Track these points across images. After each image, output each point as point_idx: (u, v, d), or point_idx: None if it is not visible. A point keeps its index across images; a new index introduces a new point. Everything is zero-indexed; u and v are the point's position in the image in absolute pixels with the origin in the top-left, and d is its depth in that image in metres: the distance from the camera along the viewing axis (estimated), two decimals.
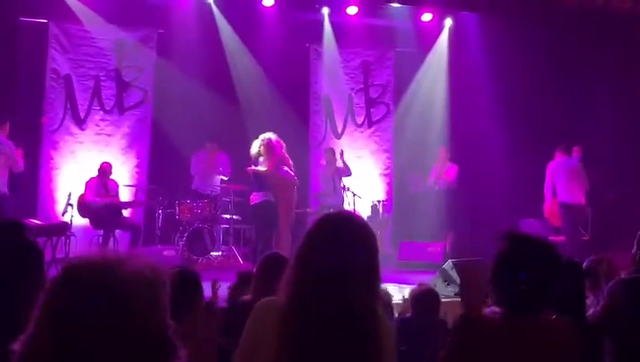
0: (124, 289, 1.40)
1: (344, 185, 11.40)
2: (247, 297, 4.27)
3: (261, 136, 9.32)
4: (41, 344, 1.38)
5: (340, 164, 11.57)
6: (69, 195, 9.99)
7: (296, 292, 2.32)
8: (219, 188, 11.26)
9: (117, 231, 10.46)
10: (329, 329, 2.24)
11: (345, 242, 2.33)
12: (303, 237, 2.45)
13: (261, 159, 9.31)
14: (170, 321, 1.51)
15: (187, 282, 3.55)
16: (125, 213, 10.80)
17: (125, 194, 11.12)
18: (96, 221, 10.18)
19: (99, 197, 10.16)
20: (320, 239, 2.38)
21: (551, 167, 10.77)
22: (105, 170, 10.47)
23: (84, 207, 10.15)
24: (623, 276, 4.16)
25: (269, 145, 9.23)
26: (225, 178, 11.28)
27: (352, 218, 2.50)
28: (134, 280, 1.43)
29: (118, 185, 10.64)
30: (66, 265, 1.47)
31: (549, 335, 2.62)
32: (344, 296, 2.27)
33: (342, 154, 11.63)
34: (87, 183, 10.29)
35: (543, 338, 2.60)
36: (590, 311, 4.13)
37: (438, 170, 12.04)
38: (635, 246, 4.13)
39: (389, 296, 4.87)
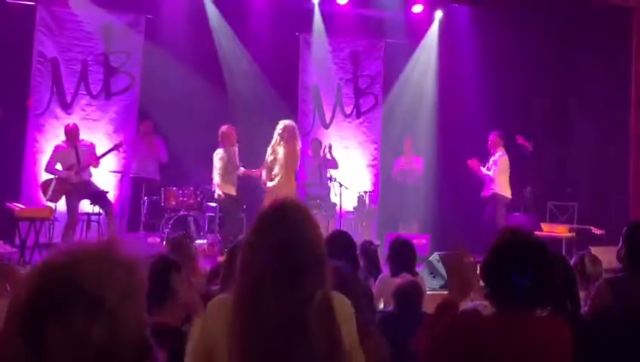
0: (98, 286, 1.36)
1: (331, 176, 11.38)
2: (216, 288, 4.23)
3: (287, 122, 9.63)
4: (10, 339, 1.35)
5: (328, 156, 11.54)
6: (54, 180, 9.91)
7: (244, 285, 2.29)
8: (158, 173, 11.12)
9: (101, 217, 10.40)
10: (282, 319, 2.21)
11: (288, 228, 2.30)
12: (249, 231, 2.43)
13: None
14: (147, 319, 1.46)
15: (168, 271, 3.49)
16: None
17: (110, 180, 11.07)
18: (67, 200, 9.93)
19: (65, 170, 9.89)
20: (264, 229, 2.35)
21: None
22: (71, 131, 10.12)
23: (47, 186, 9.82)
24: (608, 276, 4.15)
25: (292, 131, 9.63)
26: (164, 162, 11.13)
27: (294, 204, 2.46)
28: (109, 277, 1.38)
29: (92, 146, 10.27)
30: (41, 262, 1.44)
31: (542, 333, 2.60)
32: (293, 281, 2.24)
33: (330, 148, 11.59)
34: (53, 152, 10.10)
35: (537, 335, 2.57)
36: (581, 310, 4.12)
37: (404, 162, 12.05)
38: (620, 243, 4.11)
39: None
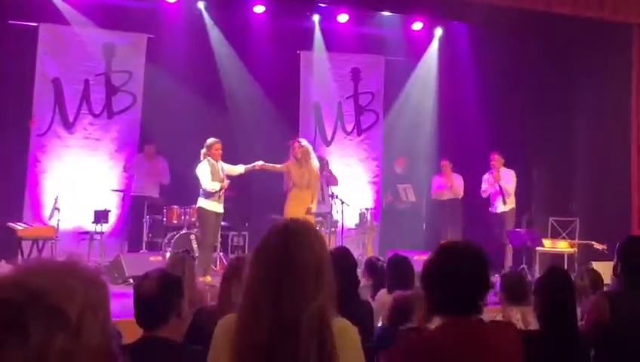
0: (58, 299, 1.35)
1: (332, 193, 11.38)
2: (212, 303, 4.27)
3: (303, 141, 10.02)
4: None
5: (327, 173, 11.56)
6: (56, 199, 9.97)
7: (246, 293, 2.33)
8: (158, 193, 11.21)
9: (105, 235, 10.47)
10: (282, 332, 2.23)
11: (289, 244, 2.33)
12: (253, 252, 2.46)
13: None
14: (114, 331, 1.47)
15: (170, 287, 3.52)
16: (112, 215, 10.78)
17: (113, 198, 11.11)
18: None
19: None
20: (267, 248, 2.38)
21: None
22: None
23: None
24: (605, 289, 4.17)
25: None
26: (165, 183, 11.24)
27: (302, 224, 2.51)
28: (70, 289, 1.38)
29: None
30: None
31: (490, 337, 2.64)
32: (294, 298, 2.26)
33: (327, 163, 11.60)
34: None
35: (482, 343, 2.61)
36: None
37: (445, 181, 11.98)
38: (615, 258, 4.13)
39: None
